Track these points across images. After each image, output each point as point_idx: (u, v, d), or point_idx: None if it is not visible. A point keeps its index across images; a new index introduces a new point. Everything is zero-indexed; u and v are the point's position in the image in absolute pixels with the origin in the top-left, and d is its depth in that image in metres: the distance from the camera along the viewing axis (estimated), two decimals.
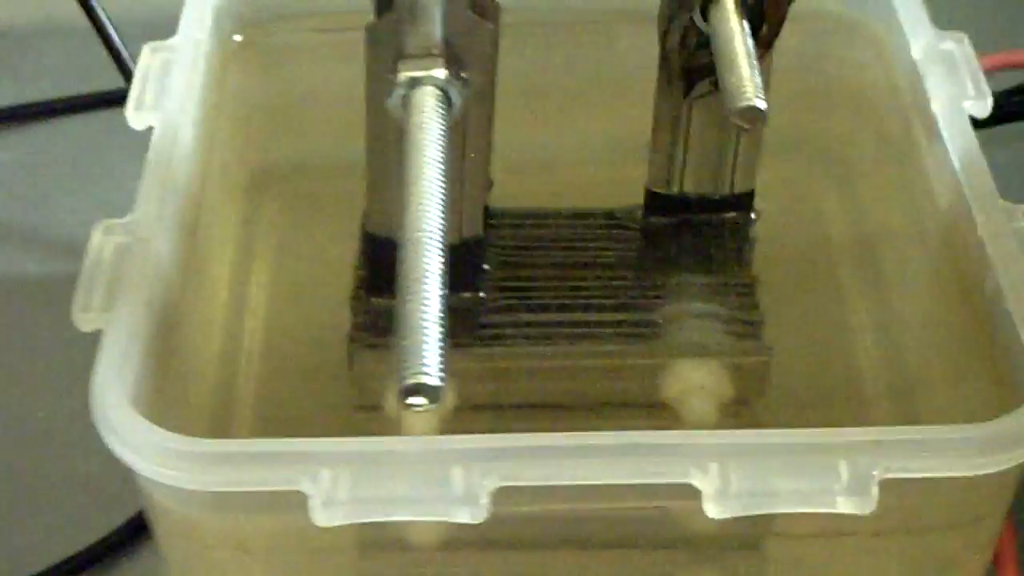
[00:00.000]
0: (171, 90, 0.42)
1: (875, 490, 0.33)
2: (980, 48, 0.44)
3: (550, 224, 0.42)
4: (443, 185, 0.33)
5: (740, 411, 0.40)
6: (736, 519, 0.33)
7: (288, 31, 0.47)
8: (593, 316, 0.41)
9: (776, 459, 0.33)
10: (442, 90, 0.35)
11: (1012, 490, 0.36)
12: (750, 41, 0.35)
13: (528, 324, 0.40)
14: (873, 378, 0.43)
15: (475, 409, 0.40)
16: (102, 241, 0.38)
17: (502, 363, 0.40)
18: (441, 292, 0.30)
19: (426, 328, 0.30)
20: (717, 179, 0.41)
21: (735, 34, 0.36)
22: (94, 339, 0.36)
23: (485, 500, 0.33)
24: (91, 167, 0.55)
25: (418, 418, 0.39)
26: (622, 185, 0.42)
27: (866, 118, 0.46)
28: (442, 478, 0.33)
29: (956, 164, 0.40)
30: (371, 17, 0.37)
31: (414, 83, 0.35)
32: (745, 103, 0.34)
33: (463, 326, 0.40)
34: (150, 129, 0.42)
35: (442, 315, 0.30)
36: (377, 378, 0.40)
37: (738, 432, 0.34)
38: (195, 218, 0.42)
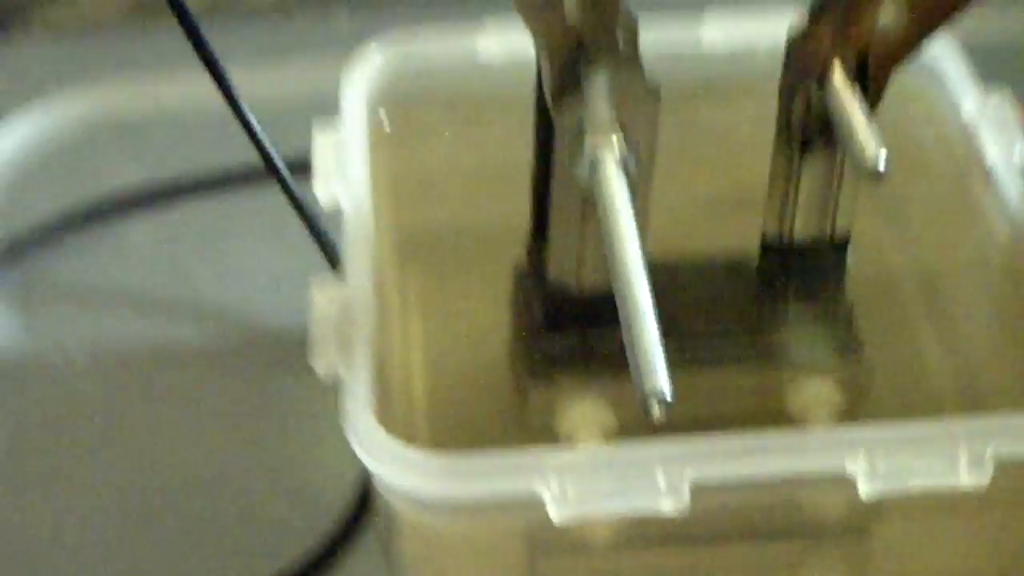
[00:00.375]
0: (349, 166, 0.50)
1: (989, 467, 0.41)
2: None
3: (678, 268, 0.50)
4: (640, 237, 0.40)
5: (848, 420, 0.48)
6: (857, 504, 0.40)
7: (427, 111, 0.55)
8: (725, 343, 0.48)
9: (908, 445, 0.41)
10: (622, 159, 0.43)
11: None
12: (865, 106, 0.44)
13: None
14: (951, 390, 0.51)
15: (632, 430, 0.47)
16: (320, 300, 0.45)
17: None
18: (655, 317, 0.38)
19: (656, 351, 0.37)
20: (822, 223, 0.48)
21: (851, 101, 0.44)
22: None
23: (685, 493, 0.40)
24: (225, 240, 0.62)
25: (589, 437, 0.47)
26: (735, 232, 0.50)
27: (921, 170, 0.54)
28: (648, 475, 0.40)
29: (1012, 207, 0.49)
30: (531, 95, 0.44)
31: (599, 156, 0.43)
32: (871, 163, 0.42)
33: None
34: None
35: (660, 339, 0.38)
36: (551, 403, 0.47)
37: (874, 425, 0.41)
38: (378, 277, 0.49)
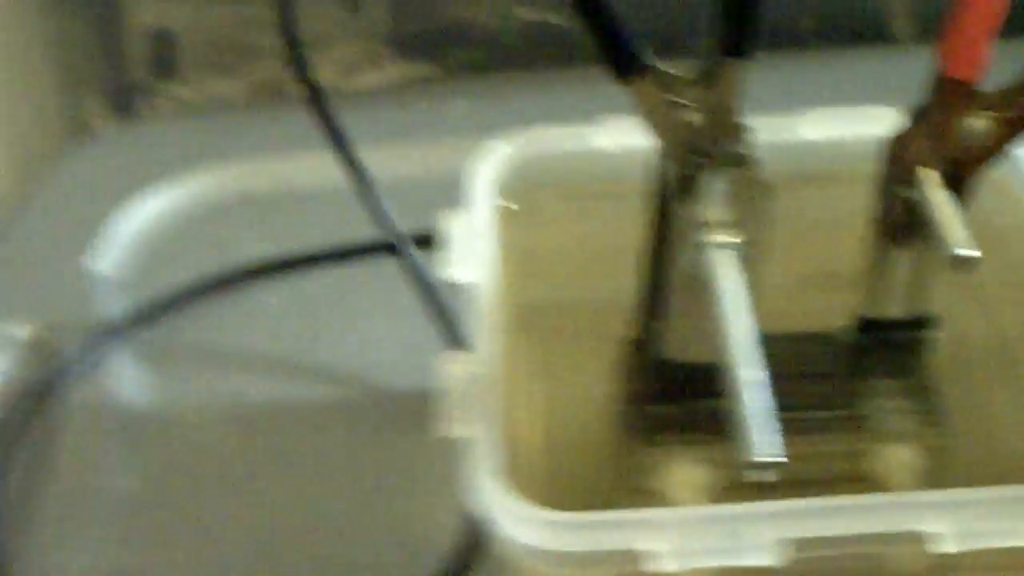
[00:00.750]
0: (477, 245, 0.54)
1: None
2: None
3: (778, 341, 0.54)
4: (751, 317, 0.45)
5: (932, 483, 0.52)
6: (937, 561, 0.44)
7: (545, 197, 0.59)
8: (819, 413, 0.53)
9: (986, 507, 0.45)
10: (737, 250, 0.47)
11: None
12: (956, 204, 0.48)
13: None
14: None
15: (730, 490, 0.52)
16: (450, 369, 0.50)
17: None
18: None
19: (770, 415, 0.42)
20: (912, 304, 0.53)
21: (943, 200, 0.48)
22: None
23: (783, 549, 0.44)
24: (351, 308, 0.67)
25: (687, 497, 0.51)
26: (830, 309, 0.55)
27: (999, 250, 0.58)
28: (743, 533, 0.45)
29: None
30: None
31: (717, 247, 0.47)
32: (963, 258, 0.46)
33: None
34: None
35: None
36: (653, 467, 0.52)
37: (959, 490, 0.46)
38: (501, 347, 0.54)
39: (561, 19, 0.83)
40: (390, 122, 0.77)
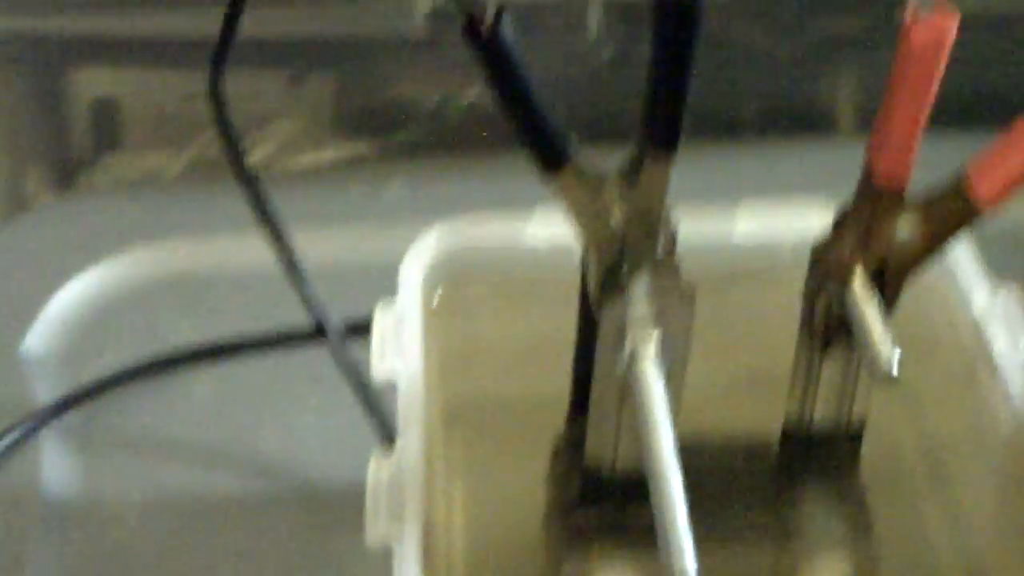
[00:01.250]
0: (405, 342, 0.54)
1: None
2: None
3: (703, 447, 0.54)
4: (671, 425, 0.44)
5: None
6: None
7: (477, 290, 0.59)
8: (745, 521, 0.52)
9: None
10: (658, 353, 0.47)
11: None
12: (882, 309, 0.48)
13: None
14: (956, 566, 0.54)
15: None
16: (375, 469, 0.49)
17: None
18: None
19: (684, 531, 0.41)
20: (839, 412, 0.52)
21: (869, 305, 0.48)
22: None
23: None
24: (283, 396, 0.66)
25: None
26: (759, 413, 0.54)
27: (932, 359, 0.58)
28: None
29: (1016, 397, 0.53)
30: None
31: (638, 349, 0.47)
32: (885, 367, 0.46)
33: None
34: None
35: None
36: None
37: None
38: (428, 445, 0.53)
39: None
40: (328, 203, 0.76)
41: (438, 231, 0.57)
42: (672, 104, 0.44)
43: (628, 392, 0.47)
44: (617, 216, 0.46)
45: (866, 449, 0.54)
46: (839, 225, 0.49)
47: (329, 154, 0.83)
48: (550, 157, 0.45)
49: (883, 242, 0.48)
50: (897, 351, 0.46)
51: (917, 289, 0.56)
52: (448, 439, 0.58)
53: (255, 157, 0.83)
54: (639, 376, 0.46)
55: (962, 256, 0.58)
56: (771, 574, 0.52)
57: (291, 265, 0.63)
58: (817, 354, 0.51)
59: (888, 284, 0.49)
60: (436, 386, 0.57)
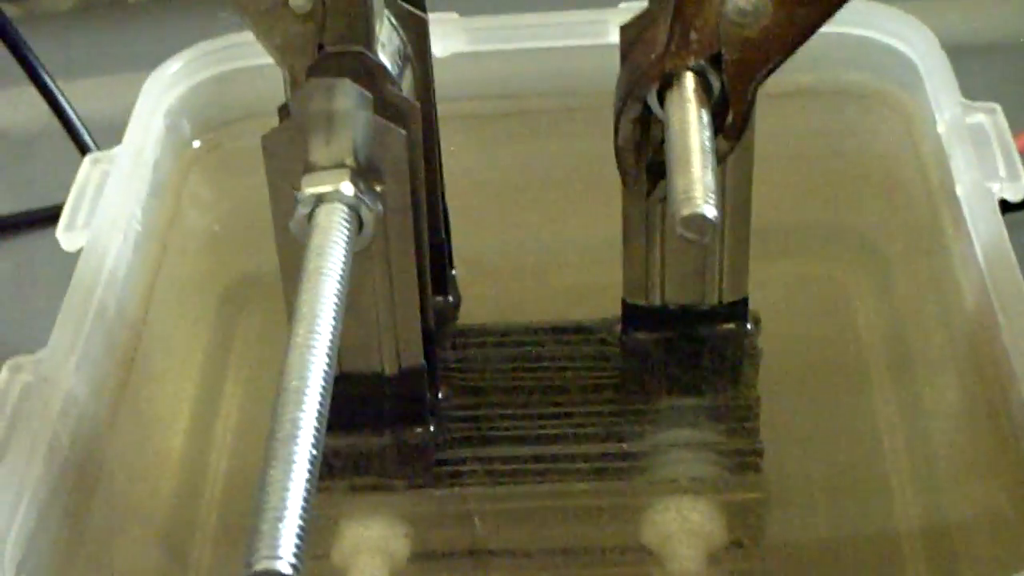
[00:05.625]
0: (105, 206, 0.39)
1: None
2: (1018, 126, 0.39)
3: (518, 342, 0.38)
4: (333, 322, 0.28)
5: (735, 556, 0.35)
6: None
7: (254, 133, 0.43)
8: (565, 449, 0.35)
9: None
10: (350, 207, 0.31)
11: None
12: (707, 133, 0.30)
13: (489, 459, 0.35)
14: (900, 503, 0.37)
15: (431, 558, 0.35)
16: (8, 380, 0.35)
17: (459, 505, 0.35)
18: (311, 456, 0.26)
19: (287, 500, 0.25)
20: (702, 287, 0.36)
21: (689, 125, 0.30)
22: None
23: None
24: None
25: (366, 571, 0.34)
26: (603, 291, 0.37)
27: (893, 200, 0.41)
28: None
29: (981, 259, 0.35)
30: None
31: (318, 200, 0.31)
32: (691, 210, 0.28)
33: (414, 464, 0.35)
34: None
35: (309, 485, 0.25)
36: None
37: None
38: (131, 348, 0.38)
39: None
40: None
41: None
42: None
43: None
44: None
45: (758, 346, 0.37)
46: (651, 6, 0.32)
47: None
48: None
49: (711, 21, 0.31)
50: (709, 193, 0.29)
51: (872, 105, 0.42)
52: (222, 331, 0.42)
53: None
54: (310, 240, 0.30)
55: (932, 64, 0.40)
56: (615, 525, 0.35)
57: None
58: (644, 202, 0.34)
59: (729, 89, 0.32)
60: (195, 264, 0.42)
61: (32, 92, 0.51)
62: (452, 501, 0.35)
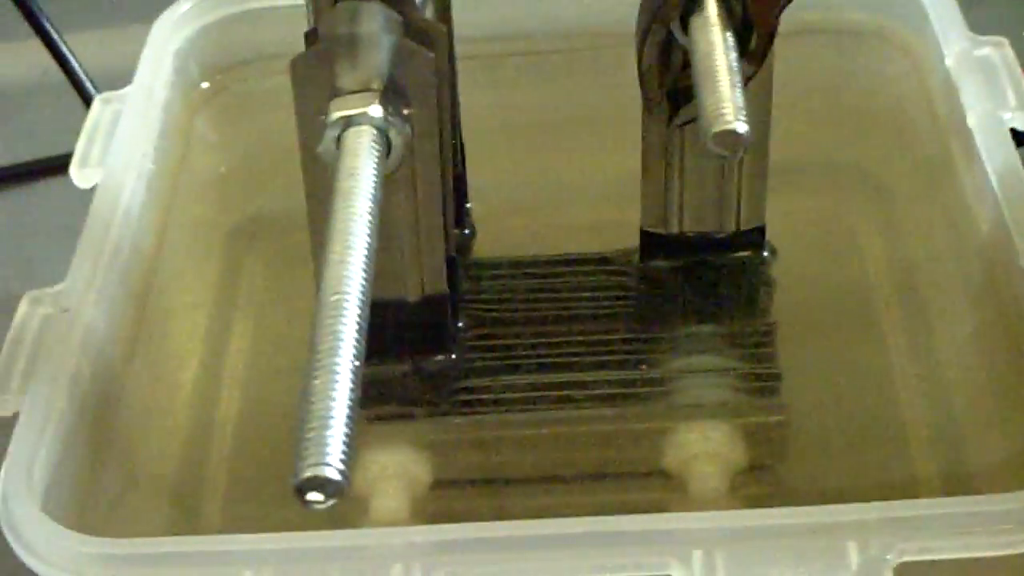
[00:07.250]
0: (118, 144, 0.39)
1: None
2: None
3: (535, 273, 0.38)
4: (368, 239, 0.28)
5: (756, 479, 0.35)
6: None
7: (262, 75, 0.43)
8: (584, 376, 0.36)
9: (772, 543, 0.28)
10: (379, 130, 0.31)
11: None
12: (733, 55, 0.31)
13: (510, 387, 0.36)
14: (914, 429, 0.37)
15: (452, 485, 0.35)
16: (29, 313, 0.35)
17: (480, 432, 0.35)
18: (354, 366, 0.26)
19: (333, 409, 0.25)
20: (720, 215, 0.36)
21: (715, 47, 0.31)
22: None
23: None
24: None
25: (388, 498, 0.35)
26: (618, 227, 0.38)
27: (902, 136, 0.41)
28: None
29: (996, 186, 0.35)
30: None
31: (347, 123, 0.31)
32: (723, 127, 0.29)
33: (435, 391, 0.36)
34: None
35: (352, 394, 0.26)
36: None
37: (724, 513, 0.29)
38: (146, 284, 0.38)
39: None
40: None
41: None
42: None
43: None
44: None
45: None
46: None
47: None
48: None
49: None
50: (740, 110, 0.29)
51: (877, 42, 0.43)
52: (230, 270, 0.42)
53: None
54: (340, 163, 0.30)
55: (937, 4, 0.41)
56: (635, 445, 0.35)
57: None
58: (667, 129, 0.34)
59: (754, 13, 0.32)
60: (204, 203, 0.42)
61: (28, 45, 0.51)
62: (474, 428, 0.36)
